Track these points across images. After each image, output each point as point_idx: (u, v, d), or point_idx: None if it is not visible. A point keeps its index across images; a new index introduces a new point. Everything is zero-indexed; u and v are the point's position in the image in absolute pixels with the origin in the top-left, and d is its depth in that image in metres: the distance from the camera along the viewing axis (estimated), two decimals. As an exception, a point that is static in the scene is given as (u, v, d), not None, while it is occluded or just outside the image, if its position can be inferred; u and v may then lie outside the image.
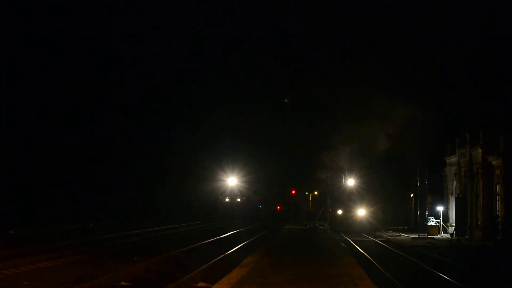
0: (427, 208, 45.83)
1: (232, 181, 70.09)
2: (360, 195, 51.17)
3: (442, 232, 43.43)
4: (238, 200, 75.08)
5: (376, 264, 23.16)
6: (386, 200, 52.08)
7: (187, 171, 77.65)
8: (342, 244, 32.39)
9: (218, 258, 21.99)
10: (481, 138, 38.96)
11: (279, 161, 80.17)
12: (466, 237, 39.24)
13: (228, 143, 74.28)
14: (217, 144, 76.81)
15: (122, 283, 16.47)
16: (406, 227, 51.80)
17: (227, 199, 74.32)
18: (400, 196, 56.50)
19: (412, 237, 40.09)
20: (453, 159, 45.83)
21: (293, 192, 79.65)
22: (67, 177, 59.36)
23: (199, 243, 28.92)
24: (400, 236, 42.63)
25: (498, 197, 37.08)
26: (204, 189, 73.08)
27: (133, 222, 47.25)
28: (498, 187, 37.05)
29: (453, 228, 41.13)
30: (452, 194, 46.59)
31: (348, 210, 50.83)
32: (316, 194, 65.23)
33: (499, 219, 35.65)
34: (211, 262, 20.36)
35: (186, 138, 79.77)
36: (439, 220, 44.06)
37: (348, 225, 49.34)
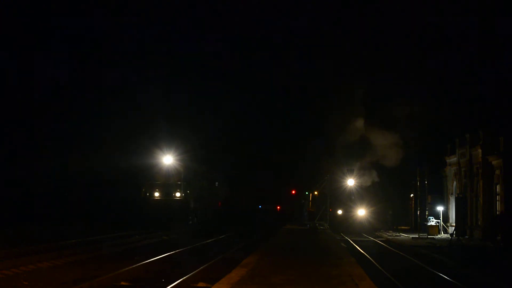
0: (427, 208, 45.79)
1: (167, 160, 45.73)
2: (360, 195, 51.16)
3: (442, 232, 43.43)
4: (178, 195, 46.26)
5: (376, 264, 23.17)
6: (386, 200, 52.08)
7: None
8: (342, 244, 32.39)
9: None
10: (481, 138, 38.94)
11: (279, 161, 78.72)
12: (466, 237, 39.23)
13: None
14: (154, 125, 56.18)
15: (122, 283, 16.49)
16: (406, 227, 51.79)
17: (156, 194, 46.13)
18: (400, 196, 56.48)
19: (412, 237, 40.09)
20: (453, 159, 45.81)
21: (293, 192, 79.66)
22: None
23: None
24: (400, 236, 42.62)
25: (498, 197, 37.06)
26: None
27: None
28: (498, 187, 37.03)
29: (453, 228, 41.14)
30: (452, 194, 46.57)
31: (348, 210, 50.83)
32: (316, 194, 65.23)
33: (499, 219, 35.64)
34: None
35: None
36: (439, 220, 44.05)
37: (348, 225, 49.36)
